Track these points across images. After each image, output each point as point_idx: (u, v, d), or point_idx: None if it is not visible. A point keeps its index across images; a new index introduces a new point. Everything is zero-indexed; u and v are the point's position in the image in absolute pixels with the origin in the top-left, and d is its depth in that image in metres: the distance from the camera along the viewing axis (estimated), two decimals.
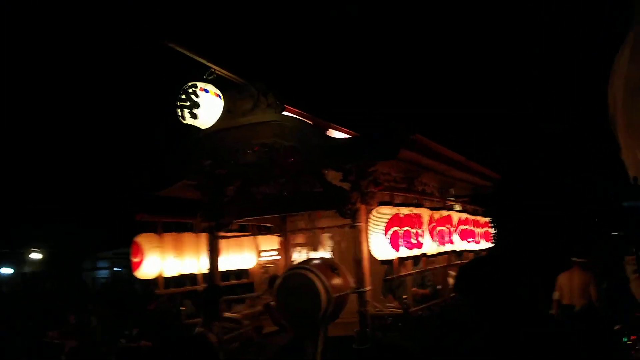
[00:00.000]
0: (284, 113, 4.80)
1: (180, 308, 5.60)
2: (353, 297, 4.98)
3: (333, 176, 5.07)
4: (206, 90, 4.36)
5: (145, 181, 5.33)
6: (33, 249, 21.12)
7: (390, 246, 4.34)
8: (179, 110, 4.38)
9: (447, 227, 5.39)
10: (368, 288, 4.75)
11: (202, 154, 5.11)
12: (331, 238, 6.46)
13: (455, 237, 5.61)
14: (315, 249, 6.68)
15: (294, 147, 4.84)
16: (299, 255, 6.90)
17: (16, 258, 20.85)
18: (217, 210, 5.46)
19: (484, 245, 6.77)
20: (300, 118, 4.75)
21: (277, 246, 6.94)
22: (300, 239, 6.90)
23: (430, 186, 6.34)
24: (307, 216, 6.67)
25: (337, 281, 4.85)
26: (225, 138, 4.96)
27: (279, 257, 6.88)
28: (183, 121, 4.41)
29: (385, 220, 4.35)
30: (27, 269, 21.39)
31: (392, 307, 4.91)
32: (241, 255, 6.37)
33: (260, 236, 6.89)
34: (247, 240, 6.53)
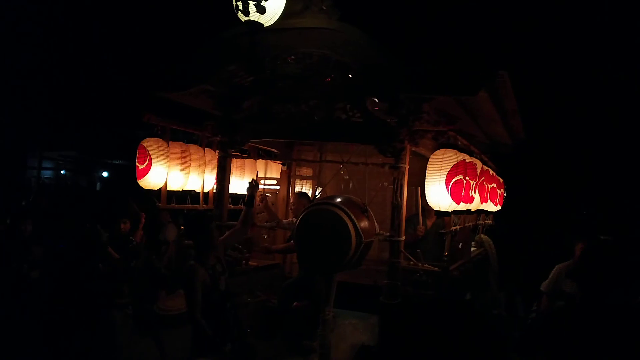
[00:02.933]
0: (340, 21, 4.06)
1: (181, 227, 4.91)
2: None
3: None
4: None
5: (157, 80, 4.49)
6: None
7: (450, 196, 3.78)
8: (240, 4, 3.48)
9: (486, 184, 4.90)
10: (403, 237, 4.23)
11: (231, 57, 4.31)
12: (340, 175, 5.88)
13: (488, 195, 5.14)
14: (321, 185, 6.09)
15: (345, 63, 4.12)
16: (300, 189, 6.32)
17: None
18: (233, 125, 4.72)
19: (497, 207, 6.38)
20: (361, 32, 3.99)
21: (277, 175, 6.30)
22: (305, 171, 6.29)
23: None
24: (317, 147, 6.04)
25: (366, 224, 4.29)
26: (264, 41, 4.15)
27: (278, 187, 6.26)
28: (244, 17, 3.51)
29: (449, 165, 3.77)
30: None
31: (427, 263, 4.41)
32: (242, 179, 5.69)
33: (260, 161, 6.21)
34: (248, 163, 5.83)
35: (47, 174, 26.78)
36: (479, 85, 3.55)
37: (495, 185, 5.56)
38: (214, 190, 4.94)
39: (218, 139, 4.84)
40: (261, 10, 3.46)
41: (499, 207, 6.41)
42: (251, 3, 3.43)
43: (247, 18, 3.54)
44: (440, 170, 3.78)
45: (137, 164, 4.52)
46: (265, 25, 3.66)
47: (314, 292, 4.92)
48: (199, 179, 5.07)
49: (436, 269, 4.18)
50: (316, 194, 5.32)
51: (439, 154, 3.90)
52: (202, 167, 5.08)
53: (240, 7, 3.50)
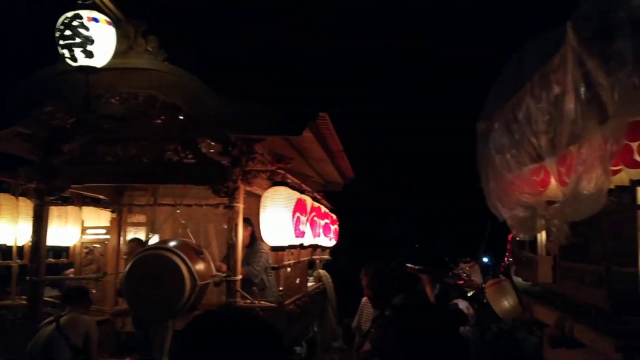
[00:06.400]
0: (167, 63, 4.02)
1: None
2: None
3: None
4: (95, 20, 3.32)
5: None
6: None
7: (294, 232, 3.87)
8: (65, 51, 3.30)
9: (317, 219, 5.10)
10: (239, 277, 4.20)
11: (48, 97, 4.02)
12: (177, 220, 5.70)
13: (320, 230, 5.35)
14: (155, 231, 5.83)
15: (174, 104, 4.07)
16: (134, 237, 5.98)
17: None
18: (51, 170, 4.36)
19: (333, 242, 6.66)
20: (189, 75, 3.99)
21: (106, 223, 5.90)
22: (138, 217, 5.98)
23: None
24: (150, 191, 5.81)
25: (201, 267, 4.20)
26: (83, 80, 3.93)
27: (108, 237, 5.85)
28: (74, 63, 3.35)
29: (292, 202, 3.88)
30: None
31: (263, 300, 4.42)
32: (64, 230, 5.24)
33: (86, 208, 5.78)
34: (72, 211, 5.40)
35: None
36: (303, 126, 3.74)
37: (328, 221, 5.82)
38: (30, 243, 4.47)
39: (33, 186, 4.43)
40: (89, 54, 3.34)
41: (334, 242, 6.70)
42: (77, 49, 3.29)
43: (77, 64, 3.39)
44: (286, 206, 3.87)
45: None
46: (99, 67, 3.52)
47: (148, 344, 4.65)
48: (11, 231, 4.56)
49: (273, 304, 4.22)
50: (149, 241, 5.08)
51: (282, 190, 3.99)
52: (15, 218, 4.59)
53: (67, 55, 3.35)
